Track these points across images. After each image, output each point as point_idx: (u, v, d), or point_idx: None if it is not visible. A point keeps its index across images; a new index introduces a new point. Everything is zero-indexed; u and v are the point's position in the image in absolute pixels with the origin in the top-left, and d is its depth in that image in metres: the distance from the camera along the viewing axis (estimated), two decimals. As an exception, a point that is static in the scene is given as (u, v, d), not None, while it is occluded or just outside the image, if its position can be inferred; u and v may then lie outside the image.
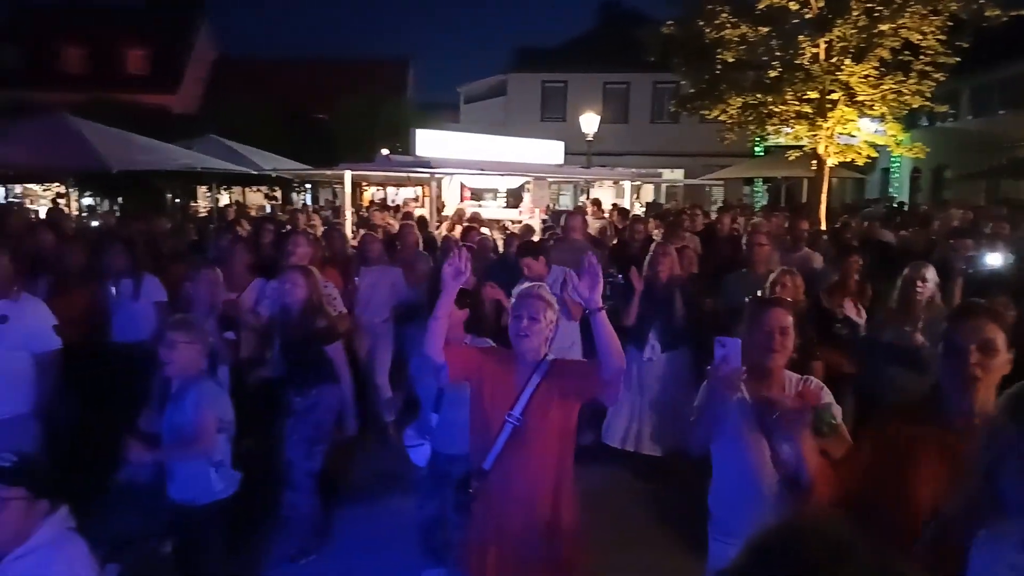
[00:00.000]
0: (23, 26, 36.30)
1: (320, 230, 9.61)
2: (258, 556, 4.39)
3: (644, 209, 18.39)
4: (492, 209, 16.06)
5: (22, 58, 35.62)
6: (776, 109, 13.91)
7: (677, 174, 25.54)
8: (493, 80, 30.73)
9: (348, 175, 12.69)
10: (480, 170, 13.49)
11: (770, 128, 14.83)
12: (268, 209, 21.72)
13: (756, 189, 26.55)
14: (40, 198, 23.80)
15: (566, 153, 17.07)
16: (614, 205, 15.59)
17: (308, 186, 25.34)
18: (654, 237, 9.41)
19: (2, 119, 16.86)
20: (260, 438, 5.50)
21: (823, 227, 11.83)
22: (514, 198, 17.09)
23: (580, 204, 19.21)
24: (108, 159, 9.24)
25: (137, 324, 5.24)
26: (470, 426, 3.06)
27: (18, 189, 24.22)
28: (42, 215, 13.29)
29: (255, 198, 25.60)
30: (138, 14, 37.78)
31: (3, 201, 20.65)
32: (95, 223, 11.59)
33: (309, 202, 26.09)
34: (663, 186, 25.89)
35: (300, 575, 4.27)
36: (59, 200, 19.23)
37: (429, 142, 14.02)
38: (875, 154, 14.75)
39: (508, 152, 15.26)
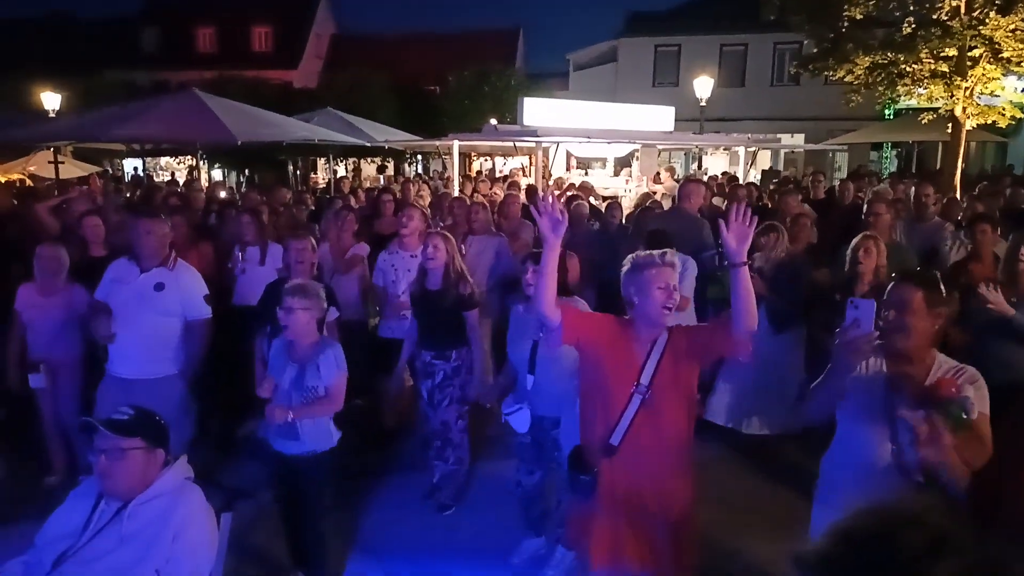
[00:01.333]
0: (160, 10, 38.71)
1: (428, 200, 9.81)
2: (363, 506, 4.61)
3: (760, 176, 17.66)
4: (599, 178, 15.86)
5: (160, 41, 38.13)
6: (908, 68, 12.94)
7: (797, 139, 24.32)
8: (603, 46, 30.13)
9: (456, 145, 12.86)
10: (586, 138, 13.31)
11: (901, 89, 13.81)
12: (381, 180, 22.36)
13: (885, 155, 24.88)
14: (175, 170, 25.44)
15: (677, 119, 16.59)
16: (724, 173, 15.05)
17: (419, 157, 25.85)
18: (768, 206, 9.04)
19: (143, 98, 18.15)
20: (371, 397, 5.76)
21: (958, 195, 10.96)
22: (622, 166, 16.78)
23: (692, 173, 18.68)
24: (234, 132, 9.77)
25: (259, 290, 5.54)
26: (584, 399, 2.95)
27: (162, 162, 25.99)
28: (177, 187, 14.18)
29: (369, 169, 26.41)
30: (263, -7, 39.44)
31: (141, 174, 22.20)
32: (223, 194, 12.31)
33: (420, 172, 26.66)
34: (781, 152, 24.73)
35: (404, 532, 4.41)
36: (193, 172, 20.53)
37: (537, 111, 13.95)
38: (1020, 115, 13.49)
39: (616, 119, 14.98)
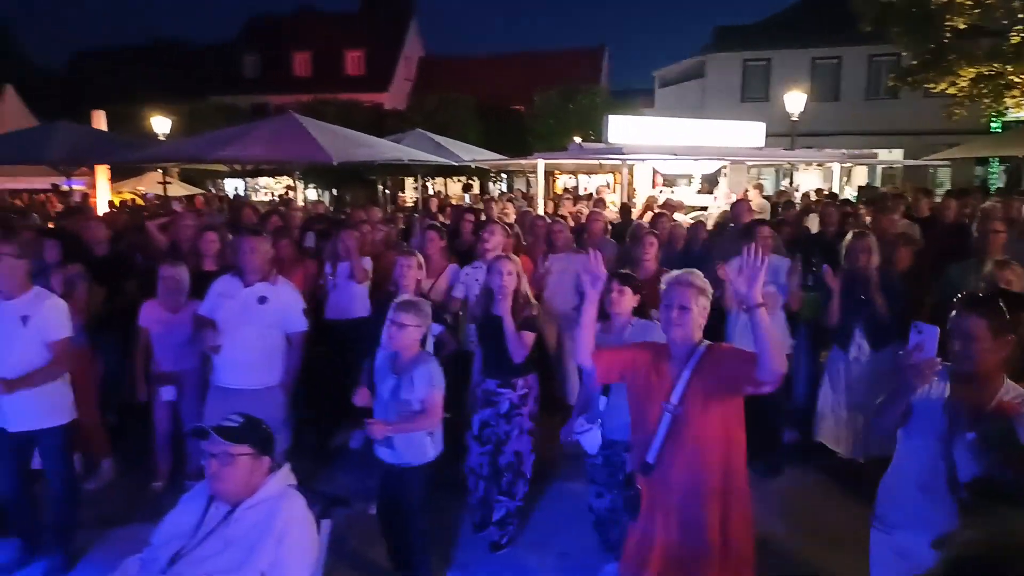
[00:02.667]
0: (259, 38, 40.81)
1: (512, 217, 9.91)
2: (451, 519, 4.64)
3: (856, 193, 17.02)
4: (685, 195, 15.64)
5: (259, 66, 40.15)
6: (1018, 79, 12.27)
7: (896, 155, 23.32)
8: (690, 62, 29.82)
9: (541, 164, 12.95)
10: (673, 155, 13.17)
11: (1009, 101, 13.14)
12: (467, 199, 22.77)
13: (992, 170, 23.54)
14: (273, 190, 26.57)
15: (768, 135, 16.21)
16: (818, 190, 14.57)
17: (504, 176, 26.16)
18: (864, 223, 8.70)
19: (244, 121, 19.12)
20: (454, 410, 5.85)
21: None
22: (709, 184, 16.49)
23: (782, 188, 18.18)
24: (331, 153, 10.16)
25: (353, 304, 5.74)
26: (632, 421, 3.03)
27: (261, 182, 27.21)
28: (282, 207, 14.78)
29: (456, 188, 26.90)
30: (355, 19, 41.05)
31: (243, 193, 23.30)
32: (318, 212, 12.79)
33: (505, 190, 26.95)
34: (878, 169, 23.77)
35: (478, 551, 4.42)
36: (289, 192, 21.42)
37: (622, 128, 13.93)
38: None
39: (704, 136, 14.78)
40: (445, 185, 25.82)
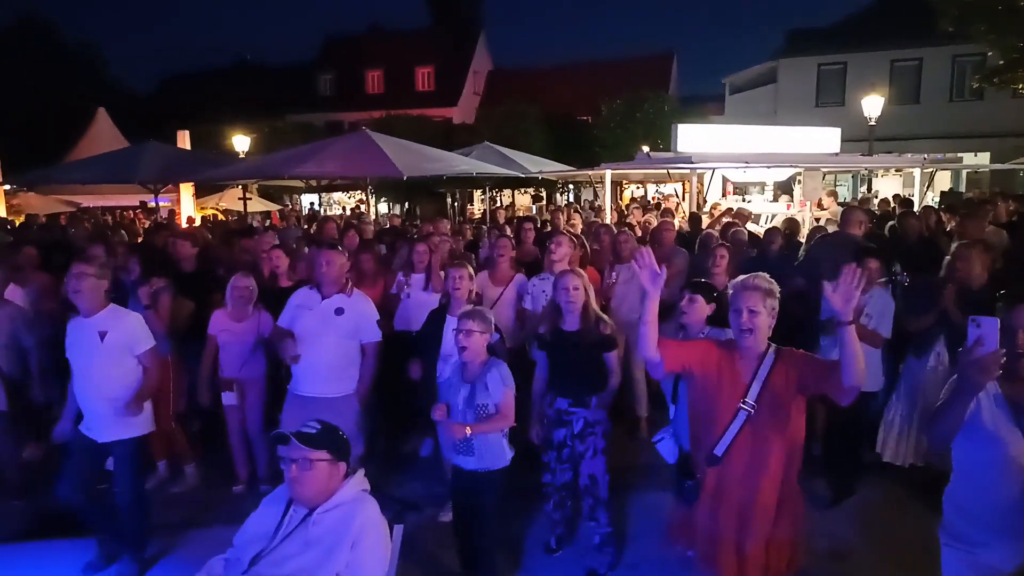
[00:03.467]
0: (334, 57, 42.11)
1: (579, 228, 9.93)
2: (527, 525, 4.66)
3: (938, 199, 16.35)
4: (758, 203, 15.35)
5: (334, 85, 41.44)
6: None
7: (981, 158, 22.28)
8: (762, 68, 29.23)
9: (608, 174, 12.93)
10: (744, 163, 12.95)
11: (1107, 99, 12.37)
12: (533, 210, 22.88)
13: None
14: (346, 204, 27.31)
15: (844, 140, 15.77)
16: (896, 196, 14.07)
17: (571, 186, 26.19)
18: (949, 231, 8.37)
19: (319, 138, 19.72)
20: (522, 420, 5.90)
21: None
22: (783, 191, 16.14)
23: (861, 195, 17.61)
24: (401, 167, 10.40)
25: (424, 315, 5.83)
26: (693, 414, 3.10)
27: (335, 196, 28.02)
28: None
29: (523, 199, 27.09)
30: (425, 36, 41.88)
31: (317, 208, 24.03)
32: (388, 225, 13.10)
33: (572, 201, 26.98)
34: (963, 173, 22.76)
35: (556, 562, 4.43)
36: (361, 206, 22.00)
37: (691, 137, 13.79)
38: None
39: (776, 143, 14.48)
40: (512, 197, 26.04)
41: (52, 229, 12.09)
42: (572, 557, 4.40)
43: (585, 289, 4.16)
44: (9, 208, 16.06)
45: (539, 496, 4.45)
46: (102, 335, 4.03)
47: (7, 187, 15.60)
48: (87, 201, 18.35)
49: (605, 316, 4.29)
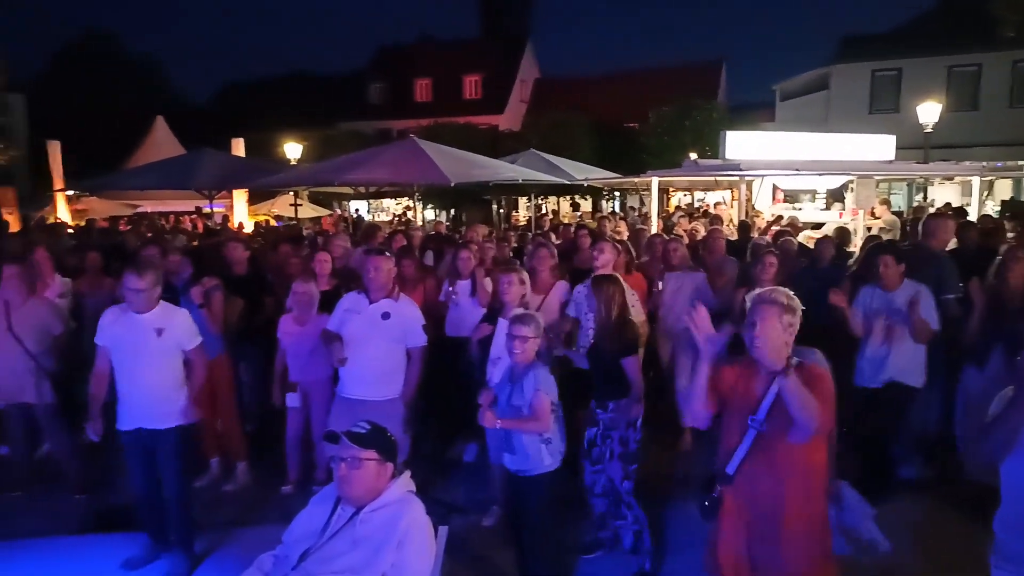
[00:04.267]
0: (385, 67, 42.79)
1: (625, 235, 9.88)
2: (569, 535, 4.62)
3: (999, 208, 15.83)
4: (809, 211, 15.05)
5: (384, 93, 42.11)
6: None
7: (1043, 166, 21.50)
8: (814, 74, 28.71)
9: (655, 181, 12.85)
10: (794, 170, 12.72)
11: None
12: (578, 217, 22.81)
13: None
14: (394, 211, 27.63)
15: (898, 148, 15.36)
16: (947, 204, 13.64)
17: (616, 193, 26.06)
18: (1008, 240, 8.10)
19: (369, 145, 20.02)
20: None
21: None
22: (834, 199, 15.79)
23: (916, 204, 17.14)
24: (448, 174, 10.51)
25: (471, 321, 5.87)
26: (722, 427, 3.09)
27: (384, 203, 28.38)
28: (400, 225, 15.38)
29: (568, 207, 27.03)
30: (473, 45, 42.32)
31: (366, 215, 24.38)
32: (434, 231, 13.22)
33: (617, 209, 26.83)
34: (1024, 181, 22.01)
35: (600, 571, 4.42)
36: (408, 212, 22.23)
37: (740, 144, 13.62)
38: None
39: (828, 150, 14.20)
40: (558, 204, 26.01)
41: (111, 233, 12.50)
42: (617, 561, 4.40)
43: (615, 296, 4.27)
44: (73, 212, 16.69)
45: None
46: (159, 331, 4.16)
47: (70, 192, 16.21)
48: (146, 206, 18.97)
49: (633, 322, 4.40)
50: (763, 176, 13.13)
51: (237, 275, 6.29)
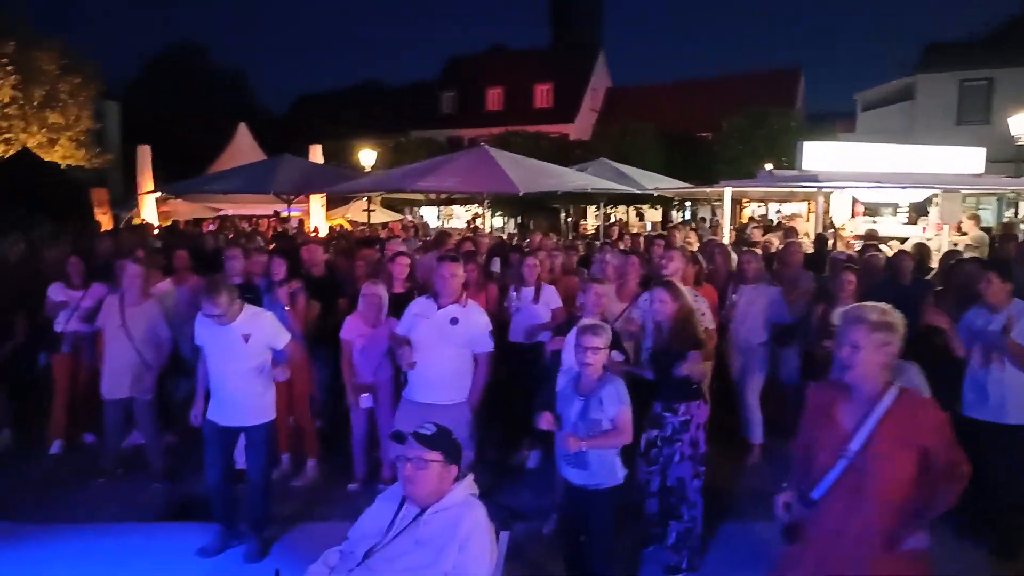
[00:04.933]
0: (456, 76, 43.40)
1: (696, 246, 9.73)
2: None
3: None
4: (890, 225, 14.51)
5: (455, 102, 42.70)
6: None
7: None
8: (897, 83, 27.68)
9: (728, 192, 12.60)
10: (876, 183, 12.27)
11: None
12: (648, 227, 22.61)
13: None
14: (463, 218, 27.93)
15: (988, 160, 14.65)
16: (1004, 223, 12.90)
17: (687, 204, 25.69)
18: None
19: (440, 153, 20.32)
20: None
21: None
22: (917, 213, 15.17)
23: (1007, 219, 16.31)
24: (518, 183, 10.57)
25: (525, 327, 5.91)
26: (801, 449, 2.88)
27: (453, 210, 28.73)
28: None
29: (647, 215, 26.84)
30: (545, 55, 42.51)
31: (436, 222, 24.73)
32: (502, 238, 13.32)
33: (688, 218, 26.46)
34: None
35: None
36: (477, 219, 22.45)
37: (818, 154, 13.22)
38: None
39: (911, 162, 13.65)
40: (627, 213, 25.84)
41: (193, 236, 13.03)
42: (655, 556, 4.46)
43: (675, 302, 4.33)
44: (159, 214, 17.47)
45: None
46: (246, 337, 4.36)
47: (157, 194, 16.97)
48: (227, 209, 19.69)
49: (698, 327, 4.45)
50: (842, 188, 12.71)
51: (315, 277, 6.48)
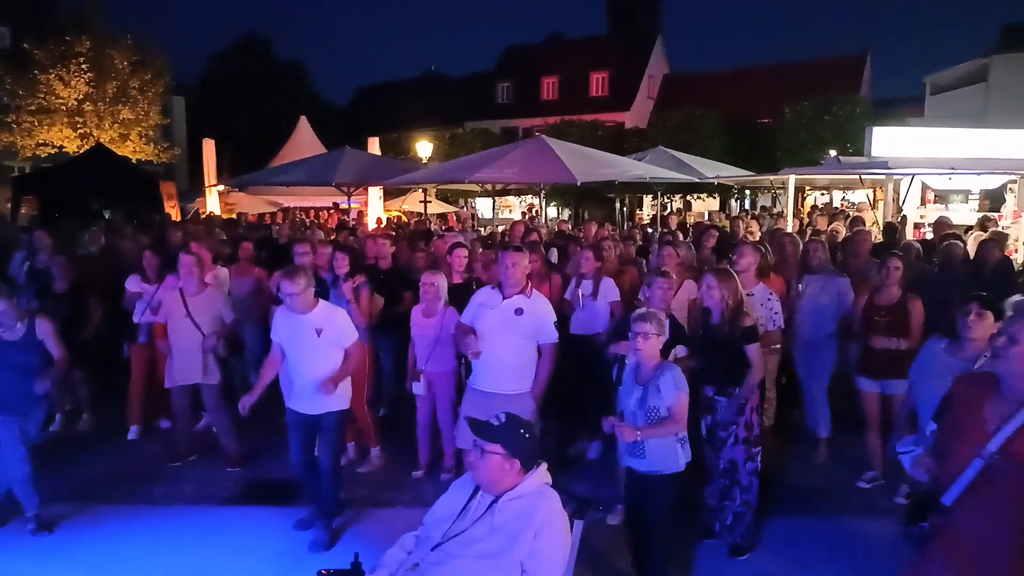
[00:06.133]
0: (513, 65, 43.37)
1: (758, 236, 9.53)
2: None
3: None
4: (961, 213, 13.96)
5: (511, 93, 42.69)
6: None
7: None
8: (970, 65, 26.62)
9: (792, 180, 12.31)
10: (950, 169, 11.79)
11: None
12: (706, 216, 22.23)
13: None
14: (517, 208, 27.94)
15: (1071, 145, 13.95)
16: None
17: (747, 192, 25.18)
18: None
19: (496, 144, 20.36)
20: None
21: None
22: (991, 200, 14.56)
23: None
24: (575, 173, 10.54)
25: (596, 320, 5.91)
26: (936, 447, 2.74)
27: (508, 200, 28.77)
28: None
29: (698, 205, 26.42)
30: (601, 43, 42.06)
31: (491, 213, 24.77)
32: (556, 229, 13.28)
33: (748, 208, 25.94)
34: None
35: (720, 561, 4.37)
36: (532, 210, 22.44)
37: (886, 140, 12.81)
38: None
39: (986, 147, 13.10)
40: (684, 202, 25.48)
41: (259, 227, 13.38)
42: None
43: (722, 288, 4.31)
44: (224, 207, 17.99)
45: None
46: (319, 331, 4.51)
47: (221, 188, 17.48)
48: (288, 202, 20.16)
49: (747, 311, 4.45)
50: (913, 175, 12.27)
51: (381, 269, 6.59)
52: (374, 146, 18.93)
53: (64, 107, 23.27)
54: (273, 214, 19.25)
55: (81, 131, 23.69)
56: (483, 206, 28.05)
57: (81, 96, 23.38)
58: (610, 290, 5.98)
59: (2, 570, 4.35)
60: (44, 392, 4.61)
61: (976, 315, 3.58)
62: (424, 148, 21.71)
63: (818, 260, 6.13)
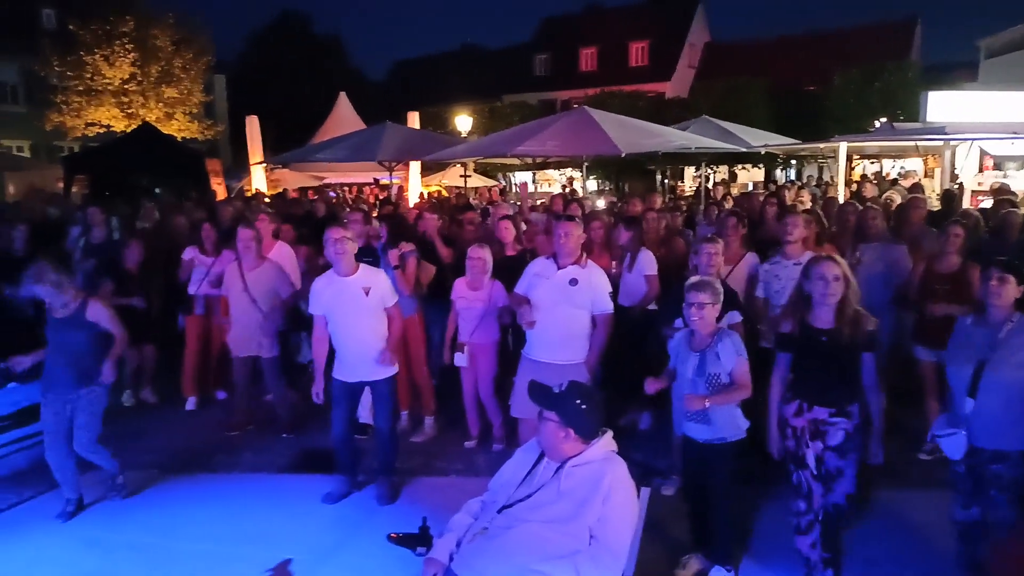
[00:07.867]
0: (550, 37, 42.87)
1: (808, 205, 9.33)
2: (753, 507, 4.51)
3: None
4: (1020, 180, 13.49)
5: (549, 65, 42.23)
6: None
7: None
8: (1027, 27, 25.47)
9: (843, 147, 11.98)
10: (1013, 133, 11.34)
11: None
12: (750, 186, 21.81)
13: None
14: (557, 182, 27.77)
15: None
16: None
17: (793, 162, 24.64)
18: None
19: (533, 116, 20.16)
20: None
21: None
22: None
23: None
24: (620, 145, 10.39)
25: (643, 291, 5.86)
26: None
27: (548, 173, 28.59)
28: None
29: (742, 176, 26.00)
30: (641, 11, 41.25)
31: (531, 187, 24.62)
32: (600, 203, 13.17)
33: (793, 178, 25.41)
34: None
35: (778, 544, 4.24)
36: (573, 183, 22.28)
37: (942, 105, 12.39)
38: None
39: (1048, 111, 12.58)
40: (729, 173, 25.05)
41: (300, 203, 13.49)
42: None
43: (846, 278, 3.56)
44: (269, 183, 18.20)
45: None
46: (366, 290, 4.61)
47: (264, 164, 17.66)
48: (330, 178, 20.31)
49: (865, 311, 3.63)
50: (971, 141, 11.86)
51: (430, 241, 6.62)
52: (414, 120, 18.90)
53: (110, 88, 23.67)
54: (316, 188, 19.41)
55: (128, 111, 24.10)
56: (523, 180, 27.94)
57: (126, 77, 23.74)
58: (648, 263, 5.91)
59: (79, 533, 4.54)
60: (107, 375, 4.59)
61: (998, 279, 3.44)
62: (464, 122, 21.67)
63: (876, 228, 5.97)
